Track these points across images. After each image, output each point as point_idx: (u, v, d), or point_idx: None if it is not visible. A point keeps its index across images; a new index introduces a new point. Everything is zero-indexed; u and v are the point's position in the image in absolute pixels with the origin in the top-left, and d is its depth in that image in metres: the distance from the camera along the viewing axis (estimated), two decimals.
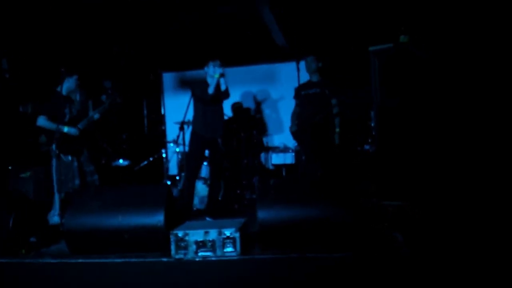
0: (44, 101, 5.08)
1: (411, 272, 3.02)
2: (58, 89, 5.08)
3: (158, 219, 3.45)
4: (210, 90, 4.92)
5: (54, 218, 4.95)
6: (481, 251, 3.09)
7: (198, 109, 5.15)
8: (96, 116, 5.19)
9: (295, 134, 5.50)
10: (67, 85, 5.14)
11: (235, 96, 7.59)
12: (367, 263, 3.10)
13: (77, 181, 5.10)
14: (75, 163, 5.11)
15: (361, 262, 3.11)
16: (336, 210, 3.39)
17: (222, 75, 4.93)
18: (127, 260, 3.30)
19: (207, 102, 5.03)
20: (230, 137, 6.41)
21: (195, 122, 5.17)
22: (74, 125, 5.05)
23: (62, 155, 4.97)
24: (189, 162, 5.22)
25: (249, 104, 7.65)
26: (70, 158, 5.04)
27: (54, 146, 4.82)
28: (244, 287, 3.13)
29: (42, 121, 4.96)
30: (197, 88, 5.10)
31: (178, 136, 5.62)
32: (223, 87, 4.99)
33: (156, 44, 7.08)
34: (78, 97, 5.34)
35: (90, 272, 3.32)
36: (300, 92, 5.45)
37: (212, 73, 4.96)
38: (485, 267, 2.92)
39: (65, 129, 4.98)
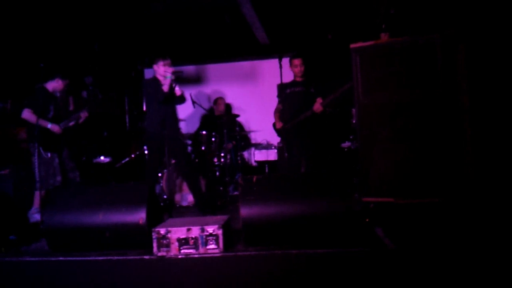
0: (30, 96, 5.06)
1: (396, 266, 3.06)
2: (44, 85, 5.10)
3: (140, 216, 3.44)
4: (165, 89, 4.83)
5: (35, 215, 4.90)
6: (466, 244, 3.15)
7: (153, 108, 5.04)
8: (84, 114, 5.23)
9: (279, 131, 5.52)
10: (55, 85, 5.14)
11: (215, 93, 7.62)
12: (350, 259, 3.13)
13: (58, 178, 5.07)
14: (56, 160, 5.07)
15: (344, 257, 3.14)
16: (319, 206, 3.42)
17: (172, 79, 4.85)
18: (108, 258, 3.28)
19: (161, 101, 4.94)
20: (212, 133, 6.40)
21: (150, 121, 5.04)
22: (57, 123, 5.02)
23: (42, 151, 4.92)
24: (150, 163, 5.09)
25: (230, 100, 7.65)
26: (49, 154, 4.99)
27: (35, 142, 4.78)
28: (227, 283, 3.14)
29: (26, 113, 4.93)
30: (149, 87, 5.02)
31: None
32: (178, 93, 4.95)
33: (137, 40, 7.02)
34: (58, 93, 5.29)
35: (70, 270, 3.29)
36: (285, 91, 5.46)
37: (163, 72, 4.88)
38: (470, 260, 2.97)
39: (49, 125, 4.94)
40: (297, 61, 5.38)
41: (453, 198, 3.96)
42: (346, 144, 5.93)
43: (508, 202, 3.78)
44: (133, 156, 6.49)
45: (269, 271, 3.18)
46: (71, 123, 5.17)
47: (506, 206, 3.76)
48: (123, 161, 6.50)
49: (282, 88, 5.55)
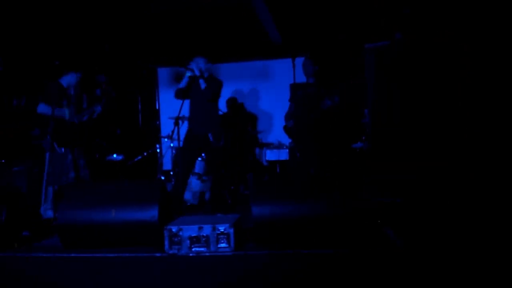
0: (44, 90, 5.10)
1: (406, 266, 3.04)
2: (58, 80, 5.12)
3: (152, 214, 3.45)
4: (181, 84, 5.03)
5: (48, 212, 4.93)
6: (475, 246, 3.12)
7: (189, 105, 5.21)
8: (98, 109, 5.23)
9: (289, 131, 5.51)
10: (69, 79, 5.19)
11: (228, 92, 7.63)
12: (361, 259, 3.12)
13: (71, 174, 5.09)
14: (70, 156, 5.09)
15: (355, 257, 3.13)
16: (330, 206, 3.41)
17: (191, 76, 4.98)
18: (120, 255, 3.30)
19: (193, 98, 5.10)
20: (224, 132, 6.40)
21: (188, 118, 5.24)
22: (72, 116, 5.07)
23: (56, 146, 4.96)
24: (181, 158, 5.23)
25: (243, 100, 7.65)
26: (63, 150, 5.03)
27: (49, 137, 4.82)
28: (238, 282, 3.14)
29: (42, 107, 4.98)
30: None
31: (172, 131, 5.60)
32: (202, 86, 5.00)
33: (151, 39, 7.05)
34: (72, 91, 5.33)
35: (83, 266, 3.31)
36: (297, 92, 5.48)
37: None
38: (478, 261, 2.94)
39: (66, 111, 5.01)
40: (307, 62, 5.42)
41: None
42: (358, 145, 5.90)
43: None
44: (145, 154, 6.52)
45: (280, 270, 3.17)
46: (85, 117, 5.20)
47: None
48: (135, 159, 6.54)
49: (294, 89, 5.55)
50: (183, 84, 5.03)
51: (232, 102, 7.23)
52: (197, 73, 4.96)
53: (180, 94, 5.08)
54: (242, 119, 6.97)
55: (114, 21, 6.23)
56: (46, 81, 5.20)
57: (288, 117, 5.55)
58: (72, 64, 5.30)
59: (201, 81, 4.97)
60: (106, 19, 6.07)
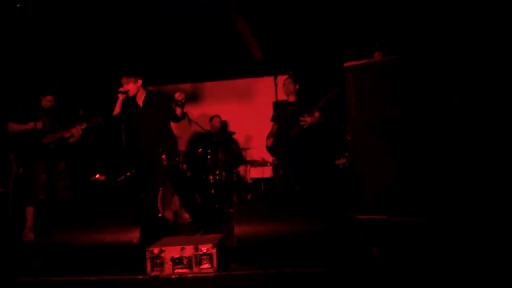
0: (17, 110, 5.07)
1: (390, 284, 3.04)
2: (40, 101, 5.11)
3: (133, 235, 3.42)
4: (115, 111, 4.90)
5: (28, 234, 4.84)
6: (461, 264, 3.14)
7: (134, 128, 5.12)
8: (77, 131, 5.12)
9: (270, 150, 5.54)
10: (43, 102, 5.15)
11: (213, 111, 7.64)
12: (345, 278, 3.11)
13: (42, 195, 4.96)
14: (44, 175, 5.02)
15: (339, 276, 3.12)
16: (314, 224, 3.41)
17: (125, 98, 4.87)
18: (101, 277, 3.25)
19: (134, 120, 4.99)
20: (207, 151, 6.40)
21: (135, 142, 5.16)
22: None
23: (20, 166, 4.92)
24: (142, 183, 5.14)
25: (226, 117, 7.67)
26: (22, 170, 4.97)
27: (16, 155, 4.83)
28: None
29: (10, 126, 4.95)
30: None
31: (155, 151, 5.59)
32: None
33: (136, 57, 7.05)
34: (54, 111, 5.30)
35: None
36: (278, 111, 5.52)
37: None
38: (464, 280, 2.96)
39: (32, 124, 4.93)
40: (287, 81, 5.47)
41: (446, 218, 3.96)
42: (341, 161, 5.95)
43: (504, 221, 3.79)
44: (128, 174, 6.48)
45: None
46: (54, 138, 5.11)
47: (497, 221, 3.77)
48: (118, 179, 6.48)
49: (276, 107, 5.59)
50: (116, 110, 4.84)
51: (215, 120, 7.24)
52: (130, 94, 4.81)
53: (117, 121, 4.95)
54: (226, 137, 6.97)
55: (97, 41, 6.23)
56: (21, 101, 5.20)
57: (269, 136, 5.58)
58: (49, 87, 5.28)
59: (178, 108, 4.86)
60: (87, 39, 6.08)
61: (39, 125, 4.98)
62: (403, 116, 4.19)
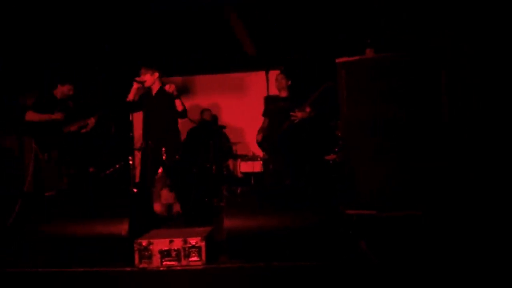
0: (35, 99, 5.24)
1: (380, 281, 3.06)
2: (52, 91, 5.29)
3: (122, 227, 3.41)
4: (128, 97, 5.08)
5: None
6: (451, 260, 3.17)
7: (143, 118, 5.24)
8: (91, 122, 5.39)
9: (261, 144, 5.54)
10: (59, 90, 5.32)
11: (203, 104, 7.61)
12: (334, 272, 3.13)
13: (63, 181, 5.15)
14: (56, 163, 5.09)
15: (328, 271, 3.14)
16: (303, 219, 3.43)
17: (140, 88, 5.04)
18: (89, 269, 3.23)
19: (146, 111, 5.14)
20: (198, 144, 6.38)
21: (143, 131, 5.26)
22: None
23: (40, 153, 5.01)
24: (141, 172, 5.20)
25: (218, 112, 7.65)
26: (47, 156, 5.04)
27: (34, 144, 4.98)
28: None
29: (29, 115, 5.08)
30: None
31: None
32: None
33: (126, 50, 7.00)
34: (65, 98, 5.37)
35: (51, 281, 3.24)
36: (269, 106, 5.52)
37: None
38: (454, 275, 2.99)
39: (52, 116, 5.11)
40: (279, 76, 5.50)
41: (435, 212, 3.99)
42: (331, 156, 5.96)
43: (492, 216, 3.83)
44: (117, 166, 6.44)
45: (252, 283, 3.16)
46: (74, 128, 5.19)
47: (490, 219, 3.80)
48: (108, 171, 6.45)
49: (267, 102, 5.60)
50: (130, 96, 4.99)
51: (206, 113, 7.21)
52: (146, 85, 4.93)
53: (128, 107, 5.08)
54: (217, 131, 6.95)
55: (88, 34, 6.19)
56: (39, 91, 5.27)
57: (259, 131, 5.58)
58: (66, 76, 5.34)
59: (177, 100, 4.93)
60: (77, 31, 6.04)
61: (59, 115, 5.08)
62: (394, 114, 4.21)
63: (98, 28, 6.06)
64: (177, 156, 5.13)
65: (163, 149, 4.90)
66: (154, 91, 5.12)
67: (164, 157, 4.93)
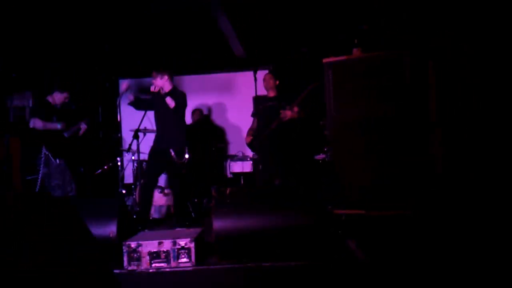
0: (33, 107, 5.41)
1: (368, 280, 3.08)
2: (46, 98, 5.24)
3: (110, 230, 3.39)
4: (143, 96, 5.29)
5: None
6: (437, 257, 3.20)
7: (154, 118, 5.28)
8: (83, 126, 5.34)
9: (250, 145, 5.56)
10: (54, 97, 5.26)
11: (193, 105, 7.60)
12: (323, 272, 3.14)
13: (74, 185, 5.20)
14: (67, 167, 5.18)
15: (317, 270, 3.15)
16: (293, 218, 3.43)
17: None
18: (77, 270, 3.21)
19: (157, 111, 5.19)
20: (188, 147, 6.36)
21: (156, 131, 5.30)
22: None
23: (51, 159, 5.05)
24: (146, 172, 5.28)
25: (205, 111, 7.65)
26: (58, 161, 5.10)
27: (44, 150, 5.02)
28: None
29: (35, 122, 5.07)
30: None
31: (130, 144, 5.60)
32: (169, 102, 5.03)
33: (112, 50, 6.97)
34: (58, 106, 5.35)
35: (38, 283, 3.21)
36: (258, 106, 5.54)
37: None
38: (442, 272, 3.01)
39: (58, 125, 5.12)
40: (268, 76, 5.52)
41: (424, 212, 4.03)
42: (320, 156, 5.98)
43: (478, 214, 3.86)
44: (105, 167, 6.41)
45: (241, 284, 3.17)
46: (69, 133, 5.25)
47: (476, 218, 3.84)
48: (96, 172, 6.41)
49: (256, 102, 5.61)
50: (144, 96, 5.08)
51: (197, 114, 7.20)
52: (163, 91, 5.00)
53: (138, 104, 5.19)
54: (207, 131, 6.94)
55: (77, 31, 6.14)
56: (35, 98, 5.28)
57: (248, 132, 5.59)
58: (31, 77, 5.34)
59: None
60: (68, 29, 5.99)
61: (62, 126, 5.17)
62: (381, 113, 4.24)
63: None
64: (184, 160, 5.15)
65: (172, 151, 4.99)
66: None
67: (175, 160, 5.00)
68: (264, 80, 5.51)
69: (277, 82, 5.49)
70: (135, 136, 5.32)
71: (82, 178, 6.03)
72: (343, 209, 4.31)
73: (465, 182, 4.11)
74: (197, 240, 3.28)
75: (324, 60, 4.41)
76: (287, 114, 5.21)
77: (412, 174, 4.15)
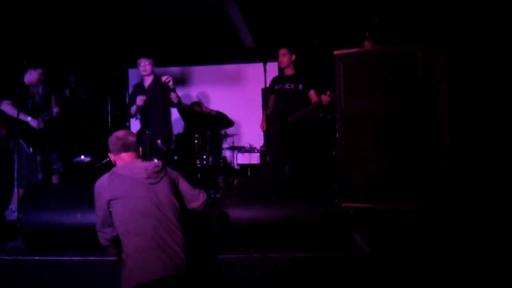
0: (9, 88, 4.98)
1: (374, 273, 3.08)
2: (22, 79, 5.00)
3: None
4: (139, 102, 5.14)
5: (13, 214, 4.80)
6: (444, 251, 3.19)
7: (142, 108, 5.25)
8: (55, 109, 5.10)
9: (266, 133, 5.41)
10: (29, 77, 5.04)
11: (201, 95, 7.60)
12: (329, 264, 3.14)
13: (40, 176, 4.99)
14: (38, 157, 4.99)
15: (323, 262, 3.15)
16: (299, 211, 3.42)
17: None
18: (84, 258, 3.24)
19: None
20: (194, 135, 6.36)
21: (141, 122, 5.32)
22: (36, 117, 4.94)
23: (25, 147, 4.85)
24: None
25: (215, 103, 7.63)
26: (31, 150, 4.91)
27: (17, 138, 4.73)
28: None
29: (5, 106, 4.85)
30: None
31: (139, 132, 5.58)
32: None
33: (122, 40, 6.97)
34: (40, 91, 5.21)
35: (46, 270, 3.24)
36: (274, 87, 5.38)
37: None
38: (448, 266, 3.01)
39: (29, 118, 4.88)
40: (284, 51, 5.29)
41: (432, 206, 4.01)
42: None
43: (486, 209, 3.85)
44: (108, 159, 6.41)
45: (247, 275, 3.18)
46: (46, 118, 5.06)
47: (484, 213, 3.82)
48: (103, 161, 6.43)
49: (272, 83, 5.44)
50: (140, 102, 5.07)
51: (197, 106, 7.17)
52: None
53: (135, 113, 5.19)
54: (214, 122, 6.93)
55: (88, 20, 6.14)
56: (13, 83, 5.11)
57: (262, 122, 5.47)
58: (40, 62, 5.22)
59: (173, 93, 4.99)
60: (80, 16, 5.98)
61: (36, 123, 4.92)
62: (392, 106, 4.21)
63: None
64: (171, 146, 5.15)
65: (159, 139, 4.98)
66: (149, 81, 5.24)
67: (161, 147, 4.97)
68: (280, 55, 5.31)
69: (293, 57, 5.29)
70: (144, 125, 5.32)
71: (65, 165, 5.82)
72: (351, 202, 4.30)
73: (475, 180, 4.09)
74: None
75: (335, 52, 4.37)
76: (324, 99, 4.82)
77: (421, 170, 4.13)
